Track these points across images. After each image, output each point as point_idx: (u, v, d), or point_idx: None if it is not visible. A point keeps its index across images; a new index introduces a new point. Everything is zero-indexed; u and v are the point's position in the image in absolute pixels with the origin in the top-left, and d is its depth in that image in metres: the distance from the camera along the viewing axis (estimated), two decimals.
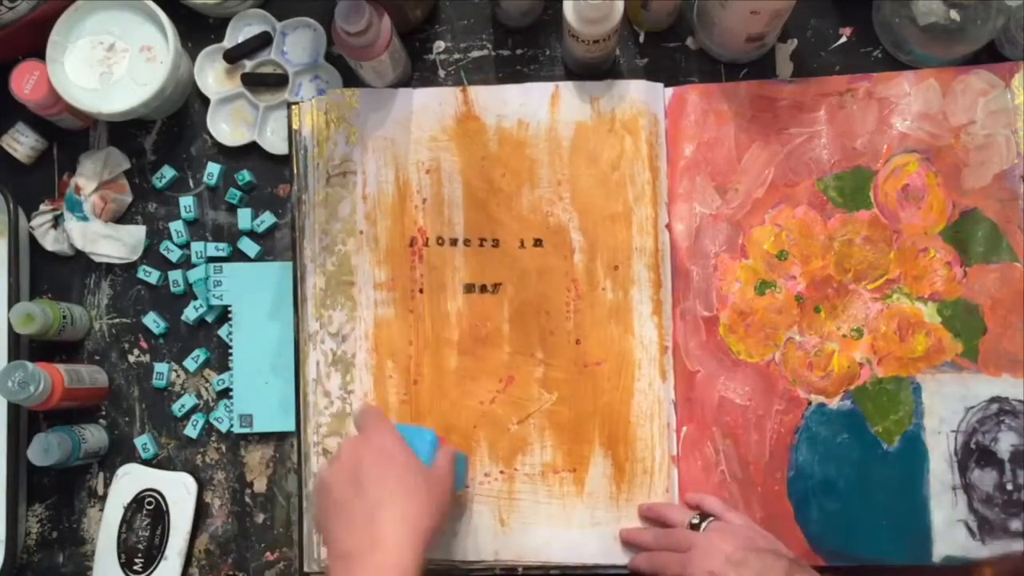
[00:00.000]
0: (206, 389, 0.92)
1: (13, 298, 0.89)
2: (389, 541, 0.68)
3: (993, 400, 0.83)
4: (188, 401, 0.91)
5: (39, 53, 0.88)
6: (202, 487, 0.90)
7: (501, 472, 0.84)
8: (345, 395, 0.86)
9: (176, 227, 0.92)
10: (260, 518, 0.90)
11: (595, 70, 0.90)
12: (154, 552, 0.88)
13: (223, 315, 0.91)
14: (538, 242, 0.87)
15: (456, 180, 0.87)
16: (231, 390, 0.90)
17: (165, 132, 0.94)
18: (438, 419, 0.85)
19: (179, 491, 0.89)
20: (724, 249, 0.86)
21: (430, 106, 0.88)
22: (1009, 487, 0.82)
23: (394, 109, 0.88)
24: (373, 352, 0.86)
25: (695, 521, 0.79)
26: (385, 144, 0.88)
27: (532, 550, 0.83)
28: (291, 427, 0.89)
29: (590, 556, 0.83)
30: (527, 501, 0.84)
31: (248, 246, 0.92)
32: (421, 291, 0.87)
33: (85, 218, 0.91)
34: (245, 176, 0.92)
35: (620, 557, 0.83)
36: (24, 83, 0.88)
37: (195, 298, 0.92)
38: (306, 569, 0.85)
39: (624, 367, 0.84)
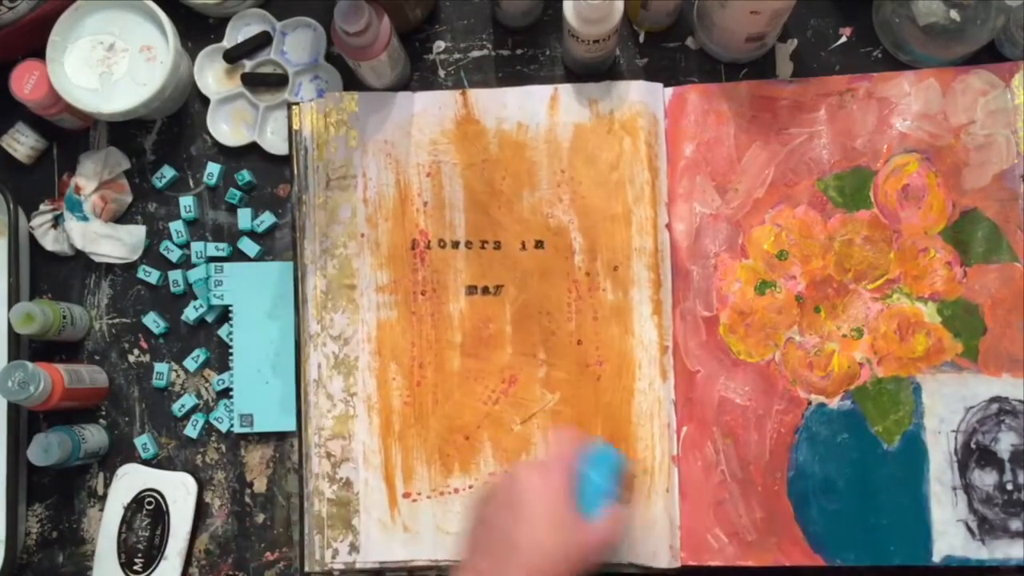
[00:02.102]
0: (206, 389, 0.92)
1: (13, 298, 0.89)
2: None
3: (993, 400, 0.83)
4: (188, 401, 0.91)
5: (39, 53, 0.88)
6: (202, 487, 0.90)
7: (505, 472, 0.85)
8: (348, 398, 0.86)
9: (176, 227, 0.92)
10: (260, 518, 0.90)
11: (595, 70, 0.90)
12: (154, 552, 0.88)
13: (223, 315, 0.91)
14: (539, 244, 0.87)
15: (457, 183, 0.87)
16: (231, 390, 0.90)
17: (165, 132, 0.94)
18: (442, 421, 0.85)
19: (179, 491, 0.89)
20: (724, 249, 0.87)
21: (430, 109, 0.88)
22: (1009, 487, 0.82)
23: (394, 112, 0.88)
24: (376, 355, 0.86)
25: None
26: (385, 147, 0.88)
27: None
28: (291, 427, 0.89)
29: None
30: None
31: (248, 246, 0.92)
32: (423, 293, 0.87)
33: (85, 218, 0.91)
34: (245, 176, 0.92)
35: (619, 557, 0.83)
36: (24, 83, 0.88)
37: (195, 298, 0.92)
38: (306, 569, 0.85)
39: (624, 367, 0.85)
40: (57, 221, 0.92)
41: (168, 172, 0.93)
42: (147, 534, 0.88)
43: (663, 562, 0.82)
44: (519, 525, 0.68)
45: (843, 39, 0.91)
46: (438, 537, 0.84)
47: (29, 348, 0.91)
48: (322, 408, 0.86)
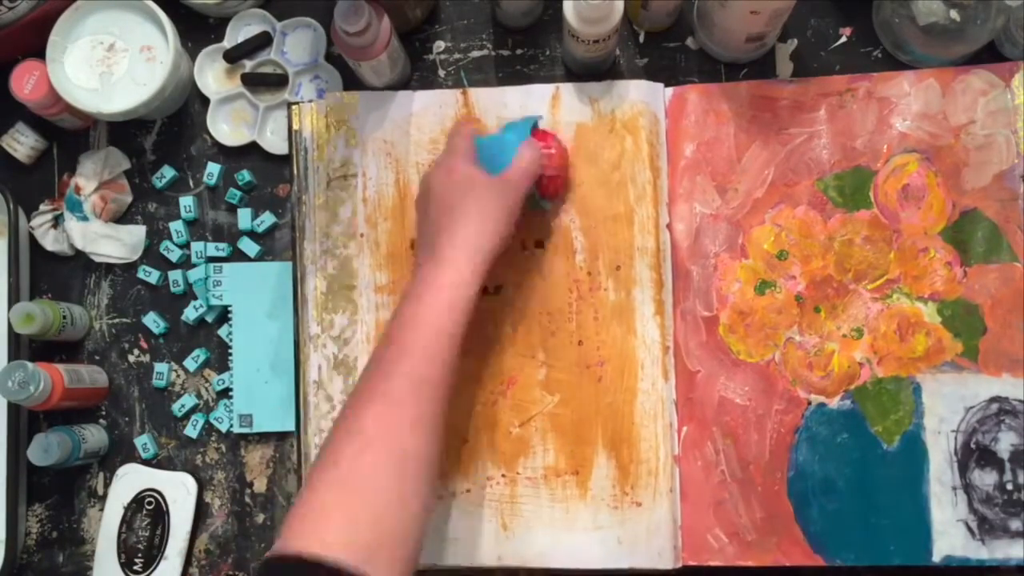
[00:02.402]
0: (206, 389, 0.92)
1: (13, 298, 0.89)
2: (447, 257, 0.75)
3: (993, 400, 0.83)
4: (188, 401, 0.91)
5: (39, 53, 0.88)
6: (202, 487, 0.90)
7: (503, 476, 0.84)
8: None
9: (176, 227, 0.92)
10: (260, 518, 0.90)
11: (595, 70, 0.90)
12: (154, 552, 0.88)
13: (223, 315, 0.91)
14: (540, 244, 0.87)
15: None
16: (231, 390, 0.90)
17: (165, 132, 0.94)
18: None
19: (179, 491, 0.89)
20: (724, 249, 0.86)
21: (430, 108, 0.88)
22: (1009, 487, 0.82)
23: (394, 111, 0.88)
24: None
25: None
26: (385, 147, 0.88)
27: (535, 555, 0.83)
28: (291, 427, 0.89)
29: (593, 560, 0.83)
30: (529, 505, 0.84)
31: (248, 246, 0.92)
32: None
33: (85, 218, 0.91)
34: (245, 176, 0.92)
35: (624, 561, 0.82)
36: (24, 83, 0.88)
37: (195, 298, 0.92)
38: None
39: (627, 367, 0.84)
40: (57, 221, 0.92)
41: (168, 172, 0.93)
42: (147, 534, 0.88)
43: (667, 563, 0.82)
44: (435, 211, 0.77)
45: (843, 39, 0.91)
46: (437, 541, 0.84)
47: (29, 348, 0.91)
48: (322, 410, 0.86)
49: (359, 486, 0.67)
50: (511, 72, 0.92)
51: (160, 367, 0.91)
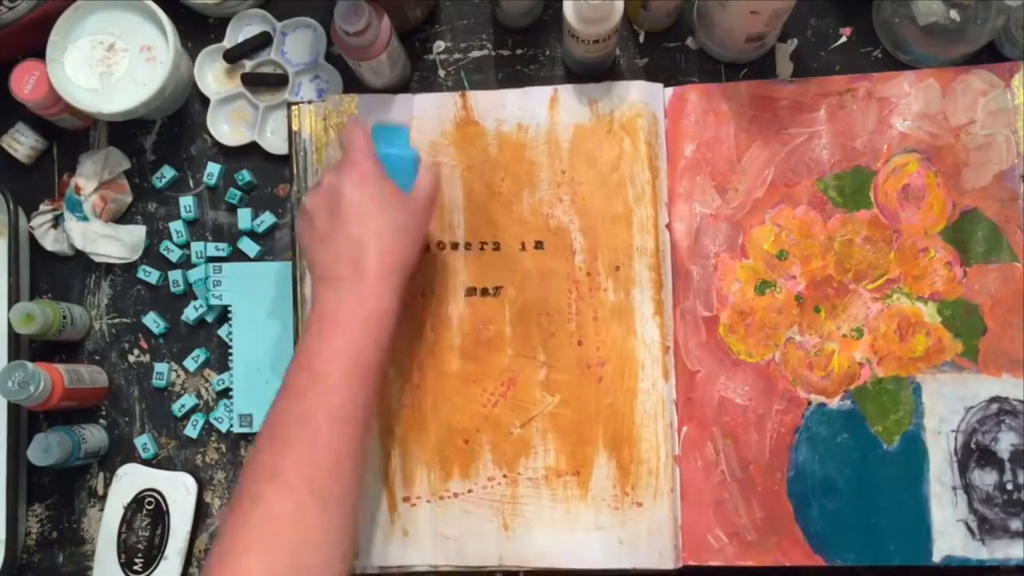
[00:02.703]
0: (206, 389, 0.92)
1: (13, 298, 0.89)
2: (371, 276, 0.72)
3: (993, 400, 0.83)
4: (188, 401, 0.91)
5: (39, 53, 0.88)
6: (202, 487, 0.90)
7: (504, 476, 0.84)
8: None
9: (176, 227, 0.92)
10: None
11: (595, 70, 0.90)
12: (154, 552, 0.88)
13: (223, 315, 0.91)
14: (539, 244, 0.87)
15: (456, 184, 0.87)
16: (231, 390, 0.90)
17: (165, 132, 0.94)
18: (441, 424, 0.85)
19: (179, 491, 0.89)
20: (724, 249, 0.87)
21: (429, 111, 0.88)
22: (1009, 487, 0.82)
23: (393, 114, 0.88)
24: None
25: None
26: None
27: (536, 555, 0.83)
28: None
29: (595, 560, 0.83)
30: (530, 505, 0.84)
31: (248, 246, 0.92)
32: (422, 295, 0.87)
33: (85, 218, 0.91)
34: (245, 176, 0.92)
35: (625, 561, 0.83)
36: (24, 83, 0.88)
37: (195, 298, 0.92)
38: None
39: (627, 368, 0.84)
40: (57, 221, 0.92)
41: (168, 172, 0.93)
42: (147, 534, 0.88)
43: (668, 563, 0.82)
44: (353, 225, 0.73)
45: (843, 39, 0.91)
46: (438, 541, 0.84)
47: (29, 348, 0.91)
48: None
49: (279, 526, 0.66)
50: (511, 72, 0.92)
51: (160, 367, 0.91)
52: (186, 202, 0.92)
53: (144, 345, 0.92)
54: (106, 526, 0.88)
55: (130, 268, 0.93)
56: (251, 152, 0.93)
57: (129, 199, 0.93)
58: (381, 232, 0.73)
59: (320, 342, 0.71)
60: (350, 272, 0.72)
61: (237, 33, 0.94)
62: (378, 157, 0.77)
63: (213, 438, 0.91)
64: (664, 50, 0.92)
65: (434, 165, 0.79)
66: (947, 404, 0.83)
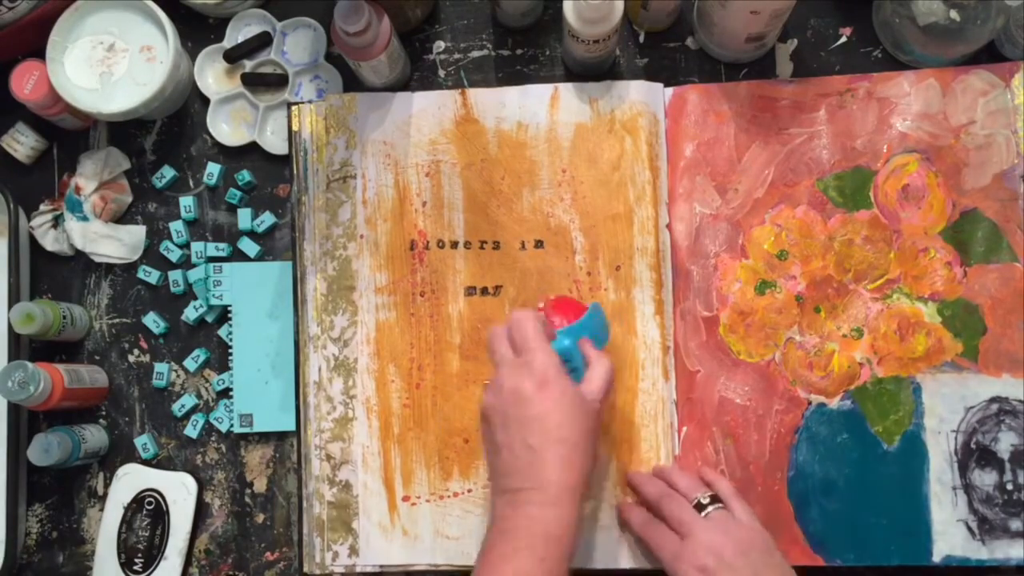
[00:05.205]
0: (206, 389, 0.92)
1: (13, 298, 0.89)
2: (552, 488, 0.69)
3: (993, 400, 0.83)
4: (188, 401, 0.91)
5: (39, 53, 0.88)
6: (202, 487, 0.90)
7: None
8: (348, 400, 0.86)
9: (176, 227, 0.92)
10: (260, 518, 0.90)
11: (595, 70, 0.90)
12: (154, 552, 0.88)
13: (223, 315, 0.91)
14: (539, 243, 0.87)
15: (456, 183, 0.87)
16: (231, 390, 0.90)
17: (165, 132, 0.94)
18: (441, 423, 0.85)
19: (179, 491, 0.89)
20: (724, 249, 0.87)
21: (429, 109, 0.88)
22: (1009, 487, 0.82)
23: (393, 113, 0.88)
24: (375, 357, 0.86)
25: (704, 501, 0.77)
26: (384, 148, 0.88)
27: None
28: (291, 427, 0.89)
29: (594, 560, 0.83)
30: None
31: (248, 246, 0.92)
32: (422, 295, 0.87)
33: (85, 218, 0.91)
34: (245, 176, 0.92)
35: (625, 561, 0.83)
36: (24, 83, 0.88)
37: (195, 298, 0.92)
38: (306, 569, 0.85)
39: (627, 367, 0.84)
40: (57, 221, 0.92)
41: (168, 172, 0.93)
42: (147, 534, 0.88)
43: None
44: (534, 435, 0.70)
45: (843, 39, 0.91)
46: (437, 541, 0.84)
47: (29, 348, 0.91)
48: (322, 411, 0.86)
49: None
50: (511, 72, 0.92)
51: (160, 367, 0.91)
52: (186, 202, 0.92)
53: (144, 345, 0.92)
54: (106, 526, 0.88)
55: (130, 268, 0.93)
56: (251, 152, 0.93)
57: (129, 199, 0.93)
58: (563, 440, 0.70)
59: (504, 563, 0.68)
60: (530, 484, 0.69)
61: (237, 33, 0.94)
62: (553, 352, 0.73)
63: (213, 438, 0.91)
64: (664, 50, 0.92)
65: (604, 361, 0.74)
66: (947, 404, 0.83)
